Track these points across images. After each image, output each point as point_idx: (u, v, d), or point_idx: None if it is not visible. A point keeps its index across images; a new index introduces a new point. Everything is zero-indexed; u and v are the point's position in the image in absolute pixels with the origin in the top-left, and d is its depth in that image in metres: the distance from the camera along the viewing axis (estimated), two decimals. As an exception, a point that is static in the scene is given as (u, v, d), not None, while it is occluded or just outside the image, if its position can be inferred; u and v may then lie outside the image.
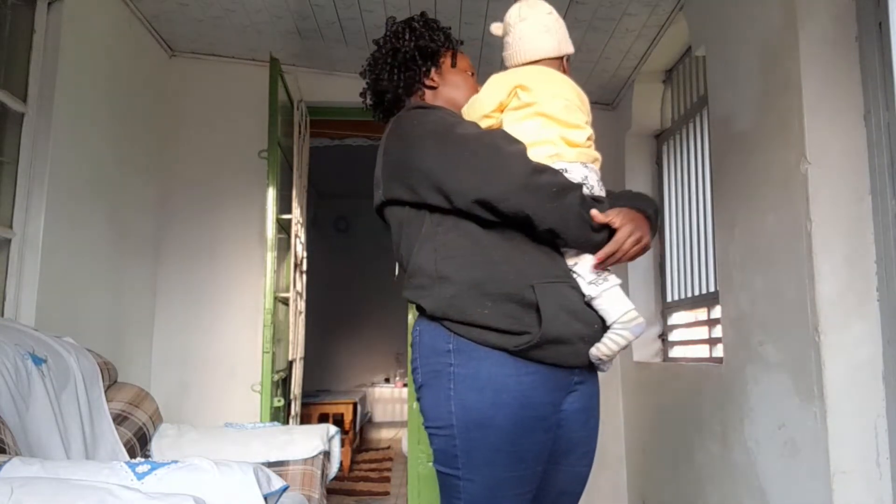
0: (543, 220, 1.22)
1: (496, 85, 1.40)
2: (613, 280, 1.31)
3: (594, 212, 1.27)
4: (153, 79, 3.24)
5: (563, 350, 1.25)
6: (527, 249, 1.25)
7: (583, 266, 1.30)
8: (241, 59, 3.47)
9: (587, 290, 1.29)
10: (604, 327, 1.30)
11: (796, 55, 1.88)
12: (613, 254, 1.28)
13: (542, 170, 1.24)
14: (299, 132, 3.41)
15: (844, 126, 1.83)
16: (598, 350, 1.28)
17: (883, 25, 1.74)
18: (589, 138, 1.41)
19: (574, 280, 1.29)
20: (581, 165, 1.35)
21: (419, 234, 1.28)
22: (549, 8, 1.49)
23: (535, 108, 1.36)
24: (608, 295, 1.29)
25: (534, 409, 1.25)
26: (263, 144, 3.12)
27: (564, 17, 1.58)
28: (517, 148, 1.26)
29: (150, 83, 3.21)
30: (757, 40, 2.13)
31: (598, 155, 1.42)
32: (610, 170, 3.69)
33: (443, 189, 1.24)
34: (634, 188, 3.52)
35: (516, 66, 1.46)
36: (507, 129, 1.34)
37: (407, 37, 1.52)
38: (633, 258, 1.32)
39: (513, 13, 1.49)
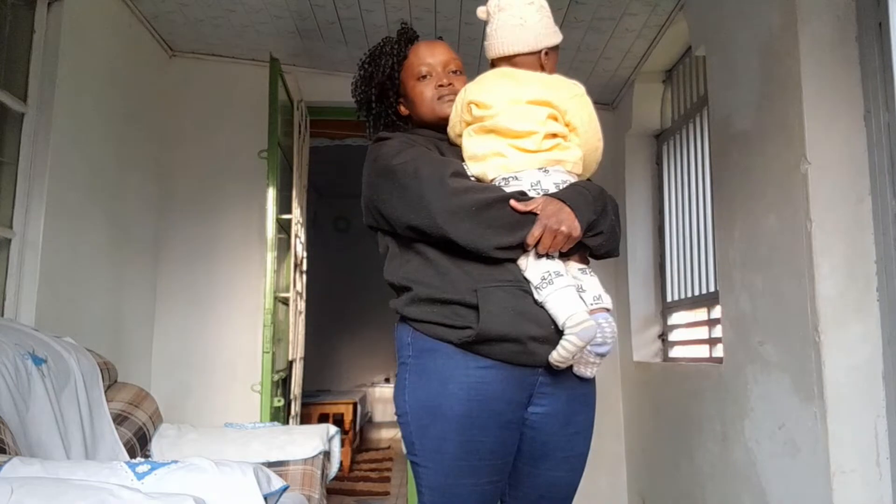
0: (466, 241, 1.27)
1: (457, 104, 1.43)
2: (561, 283, 1.27)
3: (513, 202, 1.28)
4: (153, 79, 3.24)
5: (512, 348, 1.28)
6: (477, 259, 1.30)
7: (530, 271, 1.29)
8: (241, 59, 3.47)
9: (535, 294, 1.28)
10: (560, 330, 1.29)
11: (796, 55, 1.88)
12: (541, 239, 1.27)
13: (463, 191, 1.28)
14: (299, 132, 3.41)
15: (844, 126, 1.83)
16: (552, 357, 1.28)
17: (883, 25, 1.74)
18: (555, 135, 1.37)
19: (526, 285, 1.29)
20: (536, 171, 1.35)
21: (388, 254, 1.43)
22: None
23: (485, 124, 1.37)
24: (554, 298, 1.26)
25: (486, 402, 1.29)
26: (263, 144, 3.12)
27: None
28: (437, 172, 1.30)
29: (150, 83, 3.21)
30: (757, 40, 2.13)
31: (562, 156, 1.38)
32: (610, 170, 3.72)
33: (387, 219, 1.37)
34: (634, 188, 3.53)
35: (492, 59, 1.46)
36: (466, 143, 1.40)
37: (363, 88, 1.57)
38: (561, 245, 1.29)
39: (492, 1, 1.45)
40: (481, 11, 1.46)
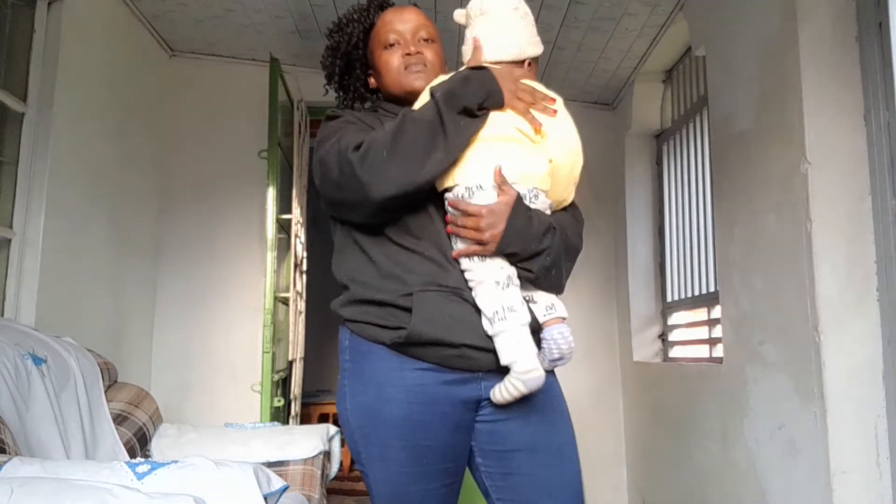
0: (391, 187, 1.16)
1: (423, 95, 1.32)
2: (514, 321, 1.16)
3: (454, 201, 1.20)
4: (153, 79, 3.24)
5: (445, 352, 1.20)
6: (417, 261, 1.22)
7: (480, 298, 1.19)
8: (241, 59, 3.47)
9: (485, 326, 1.18)
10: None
11: (796, 55, 1.88)
12: (461, 235, 1.19)
13: (372, 141, 1.18)
14: (299, 132, 3.41)
15: (844, 126, 1.83)
16: (493, 395, 1.21)
17: (883, 25, 1.74)
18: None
19: (467, 292, 1.20)
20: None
21: (335, 246, 1.35)
22: (515, 2, 1.35)
23: None
24: (504, 339, 1.16)
25: (429, 404, 1.21)
26: (263, 144, 3.12)
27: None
28: (353, 140, 1.20)
29: (150, 83, 3.21)
30: (757, 40, 2.13)
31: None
32: (610, 170, 3.72)
33: (327, 205, 1.30)
34: (634, 188, 3.53)
35: (470, 66, 1.33)
36: None
37: (329, 59, 1.46)
38: (472, 253, 1.20)
39: (474, 5, 1.35)
40: (459, 15, 1.38)
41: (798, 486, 1.90)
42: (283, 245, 3.27)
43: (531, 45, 1.35)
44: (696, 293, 2.94)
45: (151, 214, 3.25)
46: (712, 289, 2.74)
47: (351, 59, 1.44)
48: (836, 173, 1.82)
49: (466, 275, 1.20)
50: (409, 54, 1.36)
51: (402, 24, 1.39)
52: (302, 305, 3.36)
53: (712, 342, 2.76)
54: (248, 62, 3.46)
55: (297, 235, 3.27)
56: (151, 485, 1.19)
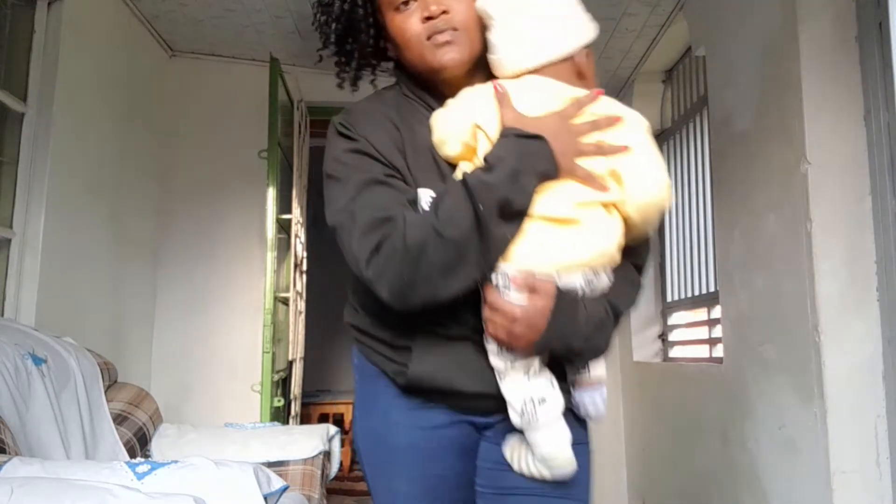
0: (388, 297, 0.96)
1: (451, 125, 1.00)
2: (546, 414, 0.98)
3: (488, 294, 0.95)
4: (153, 79, 3.24)
5: (450, 399, 1.06)
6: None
7: (506, 387, 1.00)
8: (241, 59, 3.47)
9: (511, 415, 1.00)
10: None
11: (796, 55, 1.88)
12: (492, 327, 0.96)
13: (384, 263, 0.94)
14: (299, 132, 3.41)
15: (844, 126, 1.83)
16: (510, 459, 1.05)
17: (883, 25, 1.73)
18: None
19: (478, 336, 1.00)
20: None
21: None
22: None
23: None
24: (536, 436, 1.00)
25: (436, 429, 1.07)
26: (263, 144, 3.12)
27: None
28: (356, 240, 0.96)
29: (150, 83, 3.21)
30: (757, 40, 2.12)
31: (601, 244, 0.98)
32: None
33: None
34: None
35: (507, 77, 1.02)
36: None
37: (322, 21, 1.12)
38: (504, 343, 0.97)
39: None
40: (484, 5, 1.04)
41: (798, 486, 1.90)
42: (283, 245, 3.27)
43: (579, 33, 1.02)
44: (696, 293, 2.94)
45: (151, 214, 3.25)
46: (712, 289, 2.74)
47: (352, 21, 1.09)
48: (836, 173, 1.82)
49: (490, 357, 1.00)
50: (430, 17, 1.00)
51: None
52: (302, 305, 3.36)
53: (712, 342, 2.76)
54: (248, 62, 3.46)
55: (297, 235, 3.27)
56: (151, 485, 1.19)
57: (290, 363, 3.27)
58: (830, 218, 1.81)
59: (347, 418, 5.50)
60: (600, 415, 1.09)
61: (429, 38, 1.01)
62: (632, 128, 0.99)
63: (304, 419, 4.30)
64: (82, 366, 1.92)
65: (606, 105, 1.00)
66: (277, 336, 3.04)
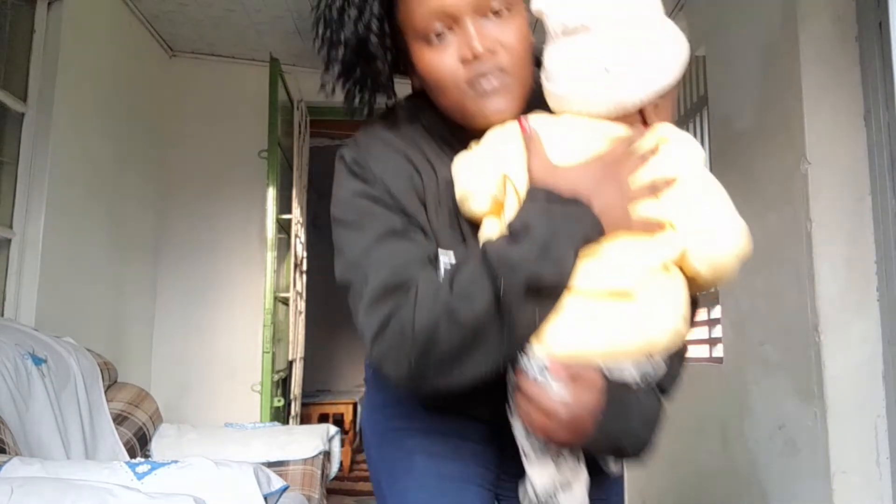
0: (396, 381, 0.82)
1: (477, 176, 0.82)
2: (571, 501, 0.84)
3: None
4: (153, 79, 3.24)
5: (464, 422, 0.96)
6: None
7: (529, 469, 0.85)
8: (241, 59, 3.47)
9: (526, 499, 0.86)
10: None
11: (796, 55, 1.88)
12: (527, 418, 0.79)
13: (391, 344, 0.78)
14: (299, 132, 3.41)
15: (844, 126, 1.83)
16: None
17: (883, 25, 1.73)
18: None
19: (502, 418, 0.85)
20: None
21: None
22: None
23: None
24: None
25: (449, 427, 0.96)
26: (263, 144, 3.12)
27: None
28: (363, 313, 0.80)
29: (150, 83, 3.21)
30: (757, 40, 2.12)
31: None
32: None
33: None
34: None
35: (594, 115, 0.80)
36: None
37: (324, 39, 0.88)
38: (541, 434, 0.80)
39: (560, 12, 0.79)
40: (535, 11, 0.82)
41: (798, 485, 1.90)
42: (283, 245, 3.28)
43: (661, 73, 0.78)
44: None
45: (151, 214, 3.25)
46: (712, 289, 2.74)
47: (364, 48, 0.85)
48: (836, 173, 1.82)
49: (515, 435, 0.85)
50: (473, 57, 0.80)
51: None
52: (302, 305, 3.36)
53: (712, 342, 2.76)
54: (248, 62, 3.46)
55: (297, 235, 3.28)
56: (151, 485, 1.19)
57: (290, 363, 3.27)
58: (830, 218, 1.81)
59: (347, 418, 5.49)
60: (622, 470, 0.97)
61: (470, 81, 0.81)
62: (687, 156, 0.80)
63: (304, 419, 4.30)
64: (82, 366, 1.92)
65: (655, 132, 0.80)
66: (277, 336, 3.04)
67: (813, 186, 1.83)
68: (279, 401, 2.99)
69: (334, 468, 2.31)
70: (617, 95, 0.77)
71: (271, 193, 3.05)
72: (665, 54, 0.79)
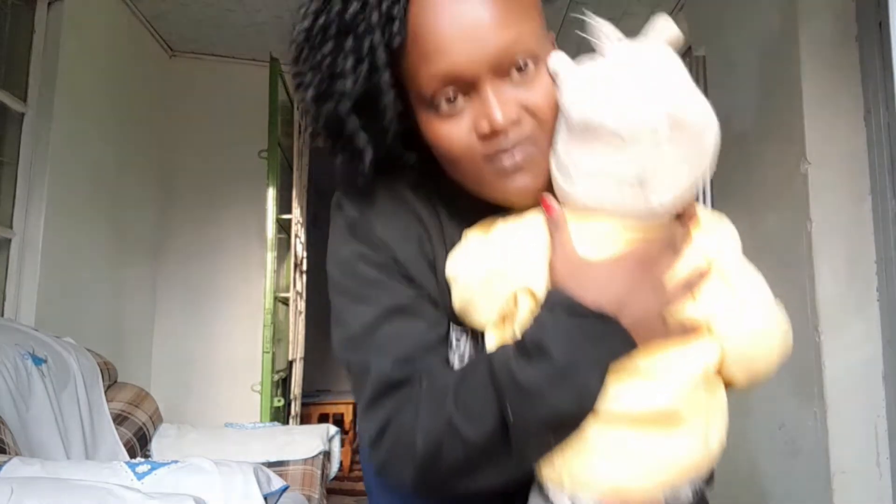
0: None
1: (483, 283, 0.69)
2: None
3: None
4: (153, 79, 3.24)
5: None
6: None
7: None
8: (241, 59, 3.47)
9: None
10: None
11: (796, 55, 1.88)
12: None
13: (389, 454, 0.69)
14: (299, 132, 3.41)
15: (844, 126, 1.83)
16: None
17: (883, 25, 1.73)
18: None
19: None
20: None
21: None
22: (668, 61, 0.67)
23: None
24: None
25: None
26: (263, 144, 3.12)
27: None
28: (363, 404, 0.72)
29: (150, 83, 3.21)
30: (757, 40, 2.12)
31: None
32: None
33: None
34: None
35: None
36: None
37: (304, 99, 0.77)
38: None
39: (579, 90, 0.64)
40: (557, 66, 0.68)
41: (798, 486, 1.90)
42: (283, 245, 3.28)
43: (692, 172, 0.64)
44: (696, 293, 2.94)
45: (151, 214, 3.25)
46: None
47: (362, 104, 0.70)
48: (836, 173, 1.82)
49: None
50: (494, 133, 0.65)
51: (466, 51, 0.64)
52: (302, 305, 3.36)
53: (712, 342, 2.76)
54: (248, 62, 3.46)
55: (297, 235, 3.27)
56: (151, 485, 1.19)
57: (290, 363, 3.27)
58: (830, 218, 1.81)
59: (347, 418, 5.49)
60: None
61: (489, 158, 0.67)
62: (721, 242, 0.71)
63: (304, 419, 4.30)
64: (82, 366, 1.92)
65: (687, 217, 0.70)
66: (277, 336, 3.04)
67: (813, 186, 1.83)
68: (279, 401, 2.99)
69: (334, 468, 2.31)
70: (649, 206, 0.64)
71: (271, 193, 3.05)
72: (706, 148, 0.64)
